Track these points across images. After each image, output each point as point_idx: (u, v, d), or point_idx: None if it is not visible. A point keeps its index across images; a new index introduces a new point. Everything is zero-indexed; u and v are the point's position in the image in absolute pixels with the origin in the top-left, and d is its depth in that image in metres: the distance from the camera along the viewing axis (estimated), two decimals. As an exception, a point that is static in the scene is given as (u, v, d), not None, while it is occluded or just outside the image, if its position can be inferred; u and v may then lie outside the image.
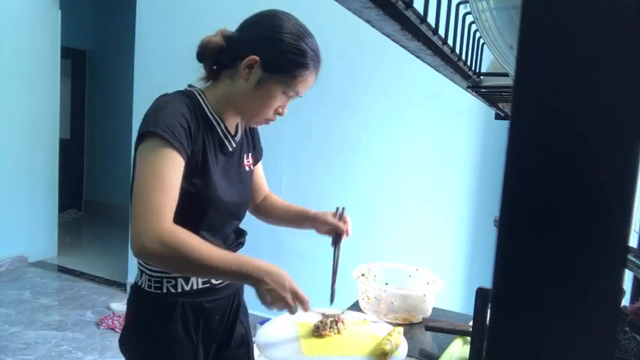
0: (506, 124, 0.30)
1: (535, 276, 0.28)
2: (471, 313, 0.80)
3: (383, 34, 0.51)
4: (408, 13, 0.47)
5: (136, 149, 1.02)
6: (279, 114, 1.12)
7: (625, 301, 1.03)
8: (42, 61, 4.09)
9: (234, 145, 1.16)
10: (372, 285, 1.45)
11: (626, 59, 0.25)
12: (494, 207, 1.05)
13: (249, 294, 1.30)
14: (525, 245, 0.28)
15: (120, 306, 3.30)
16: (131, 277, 3.64)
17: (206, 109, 1.10)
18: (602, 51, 0.26)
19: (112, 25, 5.82)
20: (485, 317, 0.76)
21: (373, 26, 0.48)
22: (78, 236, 5.34)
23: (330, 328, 1.19)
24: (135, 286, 1.16)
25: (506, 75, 0.85)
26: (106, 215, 5.85)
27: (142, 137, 1.00)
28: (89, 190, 6.28)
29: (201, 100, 1.10)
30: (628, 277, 1.11)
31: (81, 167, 6.22)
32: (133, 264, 3.63)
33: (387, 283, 1.54)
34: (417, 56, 0.63)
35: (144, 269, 1.12)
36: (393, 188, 2.78)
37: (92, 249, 4.76)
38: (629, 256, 0.52)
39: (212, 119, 1.10)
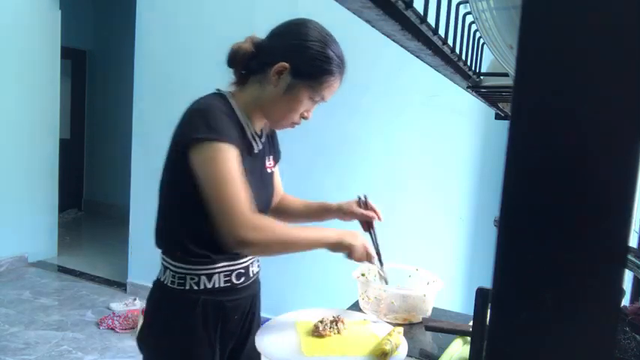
0: (506, 124, 0.30)
1: (535, 276, 0.28)
2: (471, 313, 0.80)
3: (383, 34, 0.51)
4: (408, 13, 0.47)
5: (182, 153, 1.04)
6: (305, 118, 1.17)
7: (625, 301, 1.03)
8: (42, 61, 4.08)
9: (260, 147, 1.20)
10: (372, 285, 1.45)
11: (626, 59, 0.25)
12: (494, 207, 1.05)
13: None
14: (525, 245, 0.28)
15: (120, 306, 3.30)
16: (131, 277, 3.64)
17: (237, 111, 1.14)
18: (602, 51, 0.26)
19: (112, 25, 5.82)
20: (485, 317, 0.76)
21: (373, 26, 0.48)
22: (78, 236, 5.34)
23: (330, 328, 1.19)
24: (157, 282, 1.18)
25: (506, 75, 0.85)
26: (106, 215, 5.85)
27: (194, 143, 1.02)
28: (89, 190, 6.28)
29: (232, 102, 1.15)
30: (628, 277, 1.11)
31: (81, 167, 6.22)
32: (133, 264, 3.63)
33: (386, 283, 1.54)
34: (417, 56, 0.63)
35: (168, 265, 1.14)
36: (392, 188, 2.78)
37: (92, 249, 4.76)
38: (629, 256, 0.52)
39: (242, 121, 1.15)
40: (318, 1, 2.30)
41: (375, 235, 1.30)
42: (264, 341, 1.13)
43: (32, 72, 4.02)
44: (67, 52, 5.04)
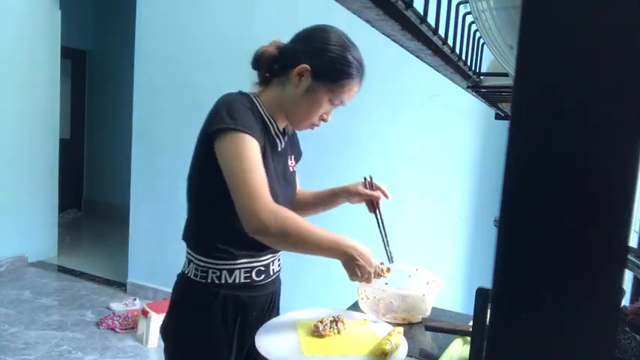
0: (506, 124, 0.30)
1: (535, 276, 0.28)
2: (471, 313, 0.80)
3: (383, 34, 0.51)
4: (408, 13, 0.47)
5: (208, 145, 1.08)
6: (324, 120, 1.22)
7: (625, 301, 1.03)
8: (42, 61, 4.08)
9: (283, 145, 1.25)
10: (372, 285, 1.45)
11: (626, 59, 0.25)
12: (494, 207, 1.05)
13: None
14: (525, 245, 0.28)
15: (120, 306, 3.30)
16: (131, 277, 3.64)
17: (261, 110, 1.18)
18: (602, 51, 0.26)
19: (112, 25, 5.82)
20: (485, 317, 0.76)
21: (373, 26, 0.48)
22: (78, 236, 5.34)
23: (330, 328, 1.19)
24: (181, 275, 1.23)
25: (506, 75, 0.85)
26: (106, 215, 5.85)
27: (218, 133, 1.06)
28: (89, 190, 6.28)
29: (255, 101, 1.19)
30: (628, 277, 1.11)
31: (81, 167, 6.22)
32: (133, 264, 3.63)
33: (386, 283, 1.53)
34: (417, 56, 0.63)
35: (192, 258, 1.19)
36: (392, 189, 2.76)
37: (92, 249, 4.75)
38: (629, 256, 0.52)
39: (267, 120, 1.19)
40: (318, 1, 2.30)
41: (380, 214, 1.34)
42: (264, 341, 1.13)
43: (32, 72, 4.02)
44: (67, 52, 5.04)
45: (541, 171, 0.27)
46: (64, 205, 5.34)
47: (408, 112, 2.71)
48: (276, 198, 1.16)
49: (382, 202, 1.36)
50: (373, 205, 1.36)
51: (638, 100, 0.25)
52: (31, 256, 4.17)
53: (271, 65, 1.19)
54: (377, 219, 1.34)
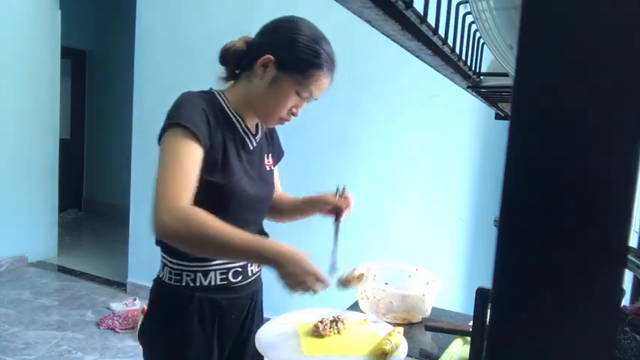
0: (506, 124, 0.30)
1: (535, 276, 0.28)
2: (471, 313, 0.80)
3: (383, 34, 0.51)
4: (408, 13, 0.47)
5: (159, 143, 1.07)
6: (293, 114, 1.16)
7: (625, 301, 1.03)
8: (42, 61, 4.08)
9: (255, 144, 1.20)
10: (372, 285, 1.45)
11: (626, 59, 0.25)
12: (494, 207, 1.05)
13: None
14: (525, 245, 0.28)
15: (120, 306, 3.30)
16: (131, 277, 3.64)
17: (226, 108, 1.15)
18: (602, 51, 0.26)
19: (112, 25, 5.82)
20: (485, 317, 0.76)
21: (373, 26, 0.48)
22: (78, 236, 5.34)
23: (330, 328, 1.19)
24: (157, 279, 1.20)
25: (506, 75, 0.85)
26: (106, 215, 5.85)
27: (164, 129, 1.05)
28: (89, 190, 6.28)
29: (220, 99, 1.15)
30: (628, 277, 1.11)
31: (81, 167, 6.22)
32: (133, 264, 3.63)
33: (386, 283, 1.54)
34: (417, 56, 0.63)
35: (166, 262, 1.16)
36: (392, 189, 2.78)
37: (92, 249, 4.75)
38: (629, 256, 0.52)
39: (232, 117, 1.15)
40: (318, 1, 2.30)
41: (338, 225, 1.29)
42: (264, 341, 1.13)
43: (32, 72, 4.02)
44: (67, 52, 5.04)
45: (541, 171, 0.27)
46: (64, 205, 5.34)
47: (408, 112, 2.71)
48: (246, 198, 1.13)
49: (346, 213, 1.31)
50: (337, 215, 1.30)
51: (638, 100, 0.25)
52: (31, 256, 4.17)
53: (239, 60, 1.15)
54: (335, 229, 1.29)
